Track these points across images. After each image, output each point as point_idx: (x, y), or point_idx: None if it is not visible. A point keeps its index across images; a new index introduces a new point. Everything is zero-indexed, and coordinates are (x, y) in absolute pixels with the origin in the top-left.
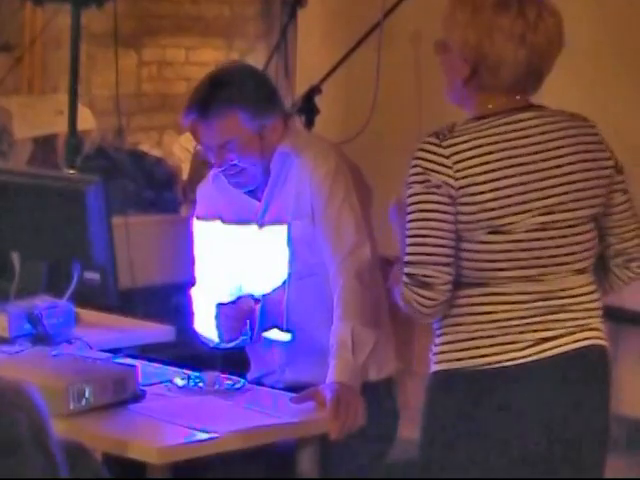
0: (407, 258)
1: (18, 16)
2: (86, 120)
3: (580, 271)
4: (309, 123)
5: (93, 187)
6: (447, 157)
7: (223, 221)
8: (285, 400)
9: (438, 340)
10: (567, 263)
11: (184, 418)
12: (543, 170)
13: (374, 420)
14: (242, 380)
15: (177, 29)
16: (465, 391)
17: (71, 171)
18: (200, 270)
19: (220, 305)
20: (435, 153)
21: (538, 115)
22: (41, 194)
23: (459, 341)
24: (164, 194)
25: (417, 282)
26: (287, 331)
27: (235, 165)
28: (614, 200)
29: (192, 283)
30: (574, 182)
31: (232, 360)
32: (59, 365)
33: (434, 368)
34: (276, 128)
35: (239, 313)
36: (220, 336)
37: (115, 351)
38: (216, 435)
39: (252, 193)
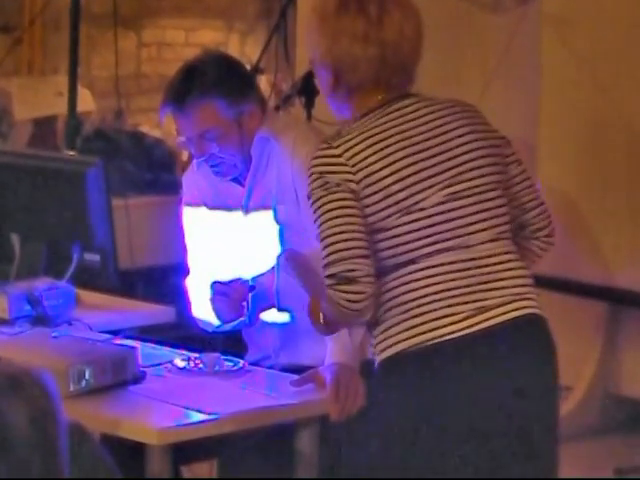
0: (325, 260)
1: None
2: (86, 101)
3: (502, 234)
4: (309, 104)
5: (93, 169)
6: (340, 156)
7: (208, 207)
8: (285, 381)
9: (375, 331)
10: (485, 229)
11: (184, 399)
12: (434, 146)
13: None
14: (242, 362)
15: (177, 10)
16: (408, 373)
17: (71, 152)
18: (192, 257)
19: (215, 284)
20: (328, 156)
21: (416, 100)
22: (41, 176)
23: (396, 324)
24: (164, 175)
25: (341, 279)
26: (282, 309)
27: (215, 155)
28: (511, 172)
29: (186, 272)
30: (468, 152)
31: (232, 342)
32: (59, 346)
33: (378, 358)
34: (253, 115)
35: (235, 292)
36: (217, 316)
37: (115, 332)
38: (216, 416)
39: (236, 179)
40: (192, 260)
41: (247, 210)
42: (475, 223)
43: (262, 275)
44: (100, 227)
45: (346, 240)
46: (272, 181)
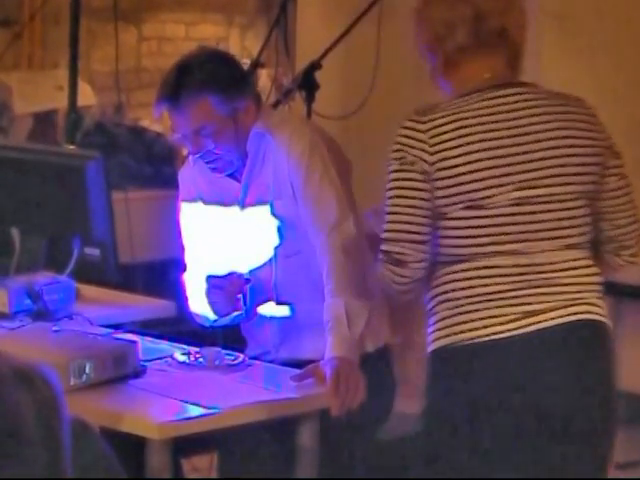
0: (384, 235)
1: None
2: (86, 96)
3: (572, 246)
4: (309, 98)
5: (93, 163)
6: (424, 132)
7: (204, 202)
8: (284, 376)
9: (430, 320)
10: (554, 238)
11: (184, 393)
12: (521, 144)
13: (373, 391)
14: (242, 356)
15: (177, 4)
16: (454, 367)
17: (71, 147)
18: (189, 253)
19: (211, 277)
20: (414, 129)
21: (521, 91)
22: (41, 170)
23: (447, 317)
24: (164, 169)
25: (391, 259)
26: (281, 303)
27: (211, 151)
28: (609, 185)
29: (184, 268)
30: (556, 157)
31: (232, 336)
32: (59, 341)
33: (429, 348)
34: (249, 110)
35: (230, 285)
36: (214, 310)
37: (115, 327)
38: (217, 410)
39: (232, 175)
40: (189, 255)
41: (243, 205)
42: (541, 231)
43: (259, 268)
44: (100, 221)
45: (405, 222)
46: (268, 176)
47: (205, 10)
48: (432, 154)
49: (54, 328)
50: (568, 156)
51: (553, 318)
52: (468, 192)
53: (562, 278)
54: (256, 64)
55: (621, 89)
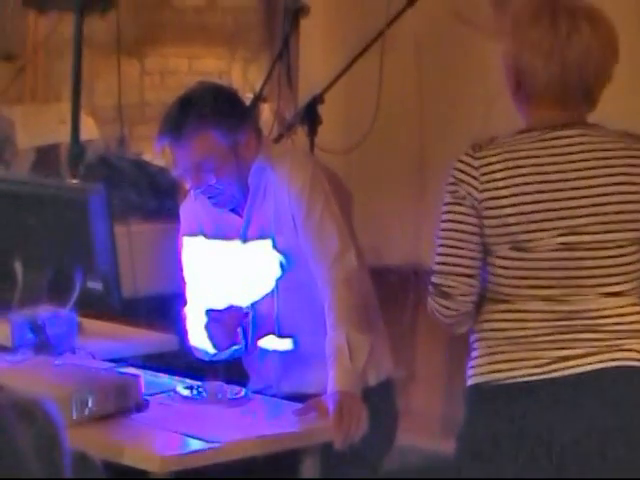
0: (434, 267)
1: (20, 25)
2: (89, 129)
3: (617, 293)
4: (312, 132)
5: (96, 196)
6: (476, 168)
7: (206, 237)
8: (287, 409)
9: (471, 354)
10: (597, 285)
11: (187, 427)
12: (572, 189)
13: (375, 423)
14: (244, 390)
15: (180, 38)
16: (489, 405)
17: (74, 180)
18: (190, 287)
19: (210, 311)
20: (467, 164)
21: (582, 133)
22: (44, 203)
23: (481, 356)
24: (167, 203)
25: (438, 292)
26: (282, 336)
27: (212, 186)
28: None
29: (184, 302)
30: (605, 204)
31: (234, 370)
32: (62, 374)
33: (468, 382)
34: (249, 144)
35: (230, 319)
36: (213, 343)
37: (118, 360)
38: (219, 444)
39: (233, 209)
40: (190, 289)
41: (245, 239)
42: (585, 278)
43: (260, 301)
44: (103, 254)
45: (455, 256)
46: (270, 210)
47: (208, 44)
48: (481, 191)
49: (56, 362)
50: (621, 203)
51: (589, 363)
52: (513, 233)
53: (602, 325)
54: (259, 98)
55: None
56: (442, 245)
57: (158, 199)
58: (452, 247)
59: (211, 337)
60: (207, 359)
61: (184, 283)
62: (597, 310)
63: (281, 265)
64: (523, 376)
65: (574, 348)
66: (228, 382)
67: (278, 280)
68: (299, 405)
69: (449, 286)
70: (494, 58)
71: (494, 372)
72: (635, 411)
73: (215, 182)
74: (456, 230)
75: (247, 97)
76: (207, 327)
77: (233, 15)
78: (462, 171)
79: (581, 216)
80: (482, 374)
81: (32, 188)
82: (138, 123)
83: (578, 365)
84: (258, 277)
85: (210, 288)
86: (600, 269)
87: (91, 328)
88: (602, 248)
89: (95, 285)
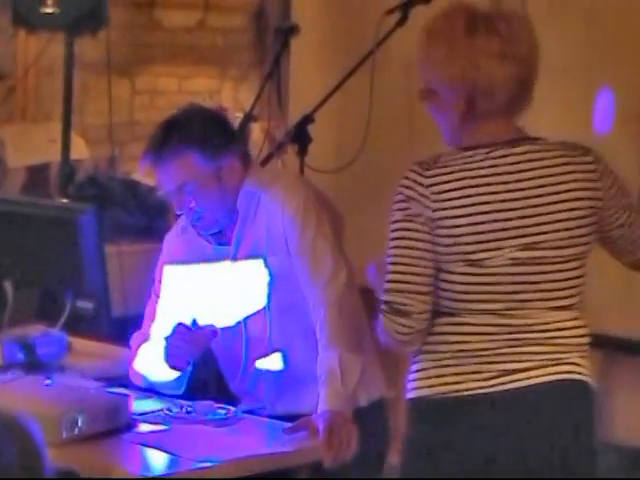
0: (386, 286)
1: (11, 44)
2: (79, 149)
3: (562, 307)
4: (302, 152)
5: (86, 215)
6: (427, 187)
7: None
8: (277, 429)
9: (413, 367)
10: (545, 299)
11: (176, 447)
12: (524, 208)
13: (366, 444)
14: (235, 409)
15: (170, 58)
16: (432, 418)
17: (64, 200)
18: (166, 310)
19: (180, 325)
20: (416, 182)
21: (529, 150)
22: (34, 222)
23: (427, 369)
24: (157, 222)
25: (394, 310)
26: (274, 351)
27: (194, 209)
28: (619, 220)
29: (138, 327)
30: (558, 221)
31: (225, 389)
32: (52, 394)
33: (409, 395)
34: (234, 169)
35: (198, 338)
36: (170, 360)
37: (108, 380)
38: (209, 464)
39: (220, 237)
40: (164, 312)
41: (235, 259)
42: (533, 292)
43: (253, 323)
44: (93, 274)
45: (410, 274)
46: (261, 233)
47: (198, 63)
48: (434, 210)
49: (46, 381)
50: (568, 220)
51: (534, 377)
52: (467, 252)
53: (547, 339)
54: (249, 117)
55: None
56: (396, 263)
57: (148, 219)
58: (407, 265)
59: (171, 353)
60: (143, 386)
61: (149, 307)
62: (544, 324)
63: (273, 286)
64: (469, 389)
65: (520, 362)
66: (218, 402)
67: (270, 302)
68: (289, 424)
69: (405, 304)
70: None
71: (440, 385)
72: (578, 424)
73: (196, 205)
74: (411, 247)
75: (237, 117)
76: (169, 340)
77: (223, 35)
78: (411, 189)
79: (531, 234)
80: (428, 387)
81: (22, 207)
82: (128, 143)
83: (523, 379)
84: (247, 295)
85: (191, 311)
86: (547, 283)
87: (81, 347)
88: (550, 263)
89: (85, 305)
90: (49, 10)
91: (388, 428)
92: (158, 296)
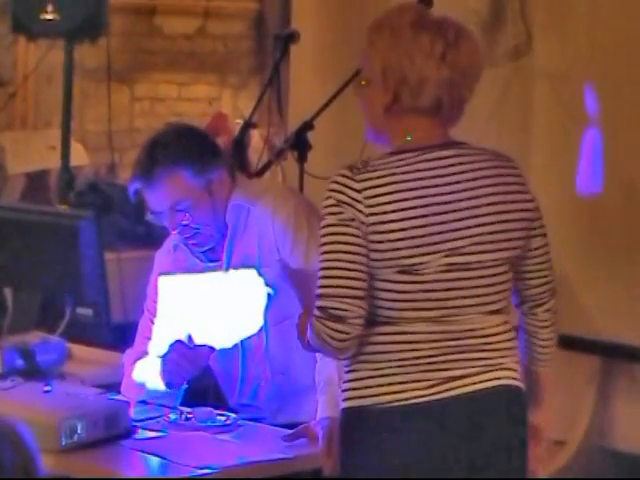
0: (319, 291)
1: (11, 52)
2: (79, 155)
3: (494, 312)
4: (301, 159)
5: (86, 222)
6: (359, 192)
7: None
8: (277, 435)
9: (346, 377)
10: (480, 304)
11: (176, 454)
12: (457, 211)
13: None
14: (234, 416)
15: (170, 65)
16: (369, 429)
17: (64, 206)
18: (161, 325)
19: (177, 342)
20: (347, 186)
21: (458, 154)
22: (34, 229)
23: (365, 378)
24: (157, 230)
25: (329, 315)
26: (273, 369)
27: (189, 226)
28: (531, 245)
29: (130, 345)
30: (489, 224)
31: (225, 396)
32: (51, 401)
33: (343, 405)
34: (223, 182)
35: (195, 356)
36: (165, 376)
37: (108, 387)
38: (208, 471)
39: (211, 253)
40: (160, 329)
41: (227, 269)
42: (469, 297)
43: (250, 343)
44: (93, 281)
45: (345, 278)
46: (252, 246)
47: (198, 70)
48: (367, 215)
49: (46, 388)
50: (498, 222)
51: (474, 383)
52: (401, 257)
53: (484, 345)
54: (248, 124)
55: (615, 151)
56: (331, 268)
57: (148, 225)
58: (342, 269)
59: (168, 370)
60: (138, 399)
61: (142, 324)
62: (480, 329)
63: (267, 300)
64: (411, 398)
65: (461, 368)
66: (217, 408)
67: (266, 314)
68: (289, 431)
69: (342, 309)
70: (482, 83)
71: (382, 395)
72: (518, 429)
73: (191, 221)
74: (345, 252)
75: (237, 123)
76: (168, 359)
77: (223, 42)
78: (343, 193)
79: (463, 237)
80: (368, 396)
81: (22, 214)
82: (128, 149)
83: (466, 384)
84: (245, 314)
85: (188, 326)
86: (481, 288)
87: (81, 354)
88: (482, 267)
89: (85, 311)
90: (49, 17)
91: None
92: (151, 313)
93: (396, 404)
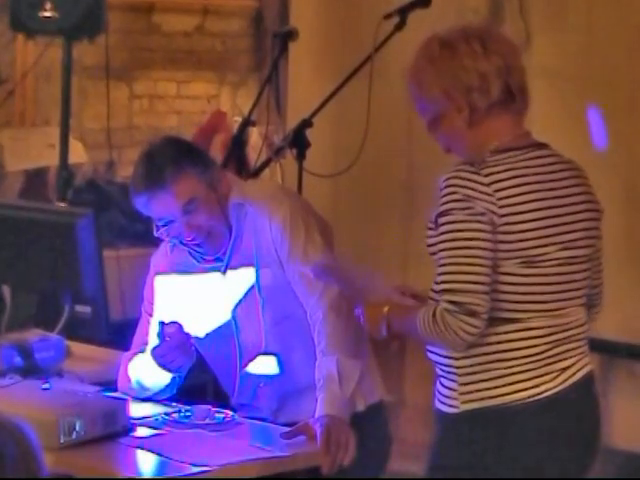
0: (449, 286)
1: (10, 49)
2: (77, 153)
3: (583, 305)
4: (300, 156)
5: (84, 220)
6: (487, 185)
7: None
8: (275, 433)
9: (464, 379)
10: (577, 297)
11: (175, 452)
12: (567, 205)
13: (365, 449)
14: (233, 414)
15: (169, 62)
16: (506, 427)
17: (62, 204)
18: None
19: (163, 324)
20: (475, 181)
21: (551, 154)
22: (32, 227)
23: (493, 378)
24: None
25: (463, 310)
26: (270, 354)
27: (203, 228)
28: (598, 245)
29: (128, 347)
30: (582, 220)
31: (223, 394)
32: (50, 398)
33: (462, 407)
34: (221, 179)
35: (185, 337)
36: (157, 357)
37: (106, 384)
38: (207, 469)
39: (213, 253)
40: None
41: (225, 272)
42: (573, 290)
43: (248, 335)
44: (91, 278)
45: (478, 273)
46: (249, 247)
47: (197, 68)
48: (500, 207)
49: (44, 385)
50: (590, 220)
51: (579, 370)
52: (529, 248)
53: (578, 334)
54: (247, 122)
55: (613, 148)
56: (465, 263)
57: (146, 223)
58: (475, 265)
59: (159, 351)
60: (141, 397)
61: (140, 326)
62: (576, 321)
63: (267, 299)
64: (546, 391)
65: (569, 358)
66: (216, 406)
67: (265, 314)
68: (288, 429)
69: (477, 304)
70: None
71: (518, 391)
72: (600, 409)
73: (205, 220)
74: (477, 247)
75: (236, 121)
76: (159, 344)
77: (222, 40)
78: (471, 188)
79: (575, 231)
80: (502, 395)
81: (20, 212)
82: (127, 147)
83: (574, 373)
84: (241, 305)
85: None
86: (578, 282)
87: (79, 352)
88: (580, 262)
89: (83, 309)
90: (47, 15)
91: (388, 433)
92: (148, 314)
93: (532, 399)
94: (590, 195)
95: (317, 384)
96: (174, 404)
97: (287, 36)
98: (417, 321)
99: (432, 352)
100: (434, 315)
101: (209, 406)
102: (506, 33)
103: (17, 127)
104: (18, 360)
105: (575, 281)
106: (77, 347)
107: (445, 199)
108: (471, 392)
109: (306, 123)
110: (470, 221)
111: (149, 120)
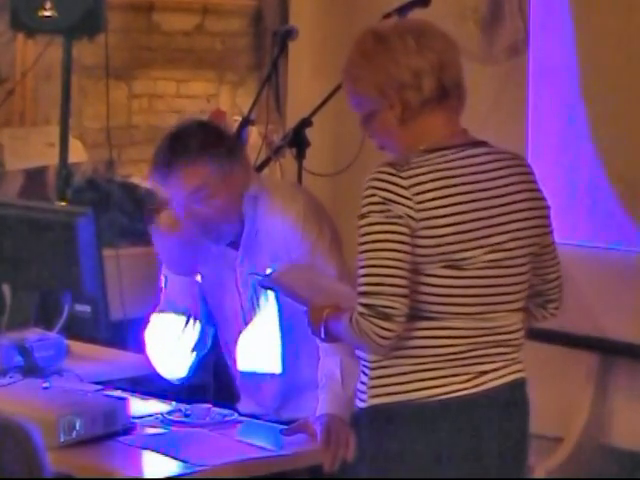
0: (364, 289)
1: (10, 48)
2: (77, 152)
3: (516, 310)
4: (300, 156)
5: (84, 219)
6: (407, 188)
7: (202, 275)
8: (276, 432)
9: (375, 373)
10: (507, 302)
11: (174, 451)
12: (496, 207)
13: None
14: (233, 412)
15: (168, 61)
16: (417, 423)
17: (62, 203)
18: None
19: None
20: (394, 183)
21: (488, 152)
22: (32, 226)
23: (403, 373)
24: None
25: (377, 313)
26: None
27: (212, 216)
28: (545, 241)
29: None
30: (515, 221)
31: (223, 392)
32: (49, 397)
33: (370, 402)
34: (239, 174)
35: (183, 242)
36: (169, 264)
37: (106, 383)
38: (207, 468)
39: (230, 243)
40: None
41: (242, 266)
42: (503, 294)
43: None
44: (91, 277)
45: (393, 276)
46: (263, 243)
47: (196, 67)
48: (417, 211)
49: (44, 384)
50: (525, 219)
51: (501, 376)
52: (450, 252)
53: (507, 340)
54: (247, 121)
55: (612, 147)
56: (379, 265)
57: (146, 222)
58: (391, 267)
59: (170, 257)
60: (177, 383)
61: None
62: (506, 326)
63: (276, 298)
64: (454, 391)
65: (490, 362)
66: (216, 405)
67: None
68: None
69: (390, 307)
70: (480, 80)
71: (423, 389)
72: (526, 419)
73: (218, 208)
74: (393, 250)
75: (235, 120)
76: (162, 249)
77: (221, 39)
78: (390, 191)
79: (503, 232)
80: (409, 391)
81: (20, 211)
82: (126, 146)
83: (495, 378)
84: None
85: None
86: (510, 286)
87: (79, 351)
88: (512, 265)
89: (83, 308)
90: (47, 14)
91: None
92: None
93: (438, 398)
94: (533, 192)
95: (319, 383)
96: (174, 403)
97: (287, 35)
98: (342, 325)
99: (356, 348)
100: (351, 320)
101: (209, 405)
102: (506, 31)
103: (17, 126)
104: (18, 359)
105: (505, 285)
106: (77, 346)
107: (364, 201)
108: (379, 386)
109: (306, 122)
110: (386, 223)
111: (149, 119)
